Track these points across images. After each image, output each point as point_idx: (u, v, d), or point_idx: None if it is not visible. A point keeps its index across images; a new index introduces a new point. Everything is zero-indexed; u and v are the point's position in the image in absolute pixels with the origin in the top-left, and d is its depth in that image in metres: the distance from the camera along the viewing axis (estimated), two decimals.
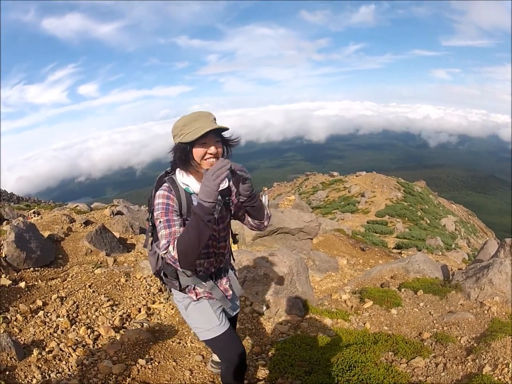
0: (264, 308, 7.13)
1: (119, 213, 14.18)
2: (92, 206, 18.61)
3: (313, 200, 56.76)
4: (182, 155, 3.09)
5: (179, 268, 2.98)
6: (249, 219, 3.50)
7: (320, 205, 52.28)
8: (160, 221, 3.02)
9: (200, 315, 3.53)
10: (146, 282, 7.86)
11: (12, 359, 4.66)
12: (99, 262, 8.66)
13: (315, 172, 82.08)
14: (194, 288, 3.48)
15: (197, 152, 3.06)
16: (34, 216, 13.40)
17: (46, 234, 9.47)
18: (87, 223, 11.84)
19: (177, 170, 3.23)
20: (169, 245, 2.89)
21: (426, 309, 7.89)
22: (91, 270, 8.00)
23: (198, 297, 3.50)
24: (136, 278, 7.99)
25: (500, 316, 7.15)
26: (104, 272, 7.98)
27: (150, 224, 3.38)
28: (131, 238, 11.29)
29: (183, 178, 3.19)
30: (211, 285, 3.52)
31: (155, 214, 3.07)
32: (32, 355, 4.90)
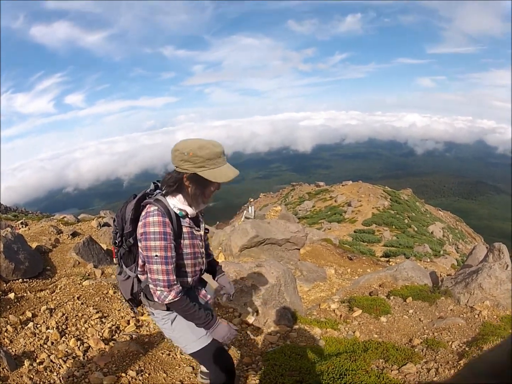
0: (253, 316, 7.13)
1: (106, 224, 14.12)
2: (79, 217, 18.53)
3: (300, 210, 56.87)
4: (198, 188, 3.14)
5: (155, 298, 3.18)
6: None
7: (306, 215, 52.40)
8: (156, 255, 3.00)
9: (187, 327, 3.46)
10: None
11: (4, 369, 4.62)
12: (87, 274, 8.61)
13: (301, 183, 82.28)
14: None
15: (212, 189, 3.20)
16: (22, 227, 13.33)
17: (34, 245, 9.42)
18: (74, 234, 11.78)
19: (173, 196, 3.21)
20: (171, 291, 3.08)
21: (416, 315, 7.91)
22: (79, 282, 7.94)
23: None
24: None
25: (491, 319, 7.20)
26: (92, 284, 7.93)
27: (126, 248, 3.33)
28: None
29: (180, 205, 3.20)
30: (193, 297, 3.50)
31: (147, 243, 3.02)
32: (24, 366, 4.86)
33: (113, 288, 7.87)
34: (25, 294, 7.12)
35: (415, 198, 67.45)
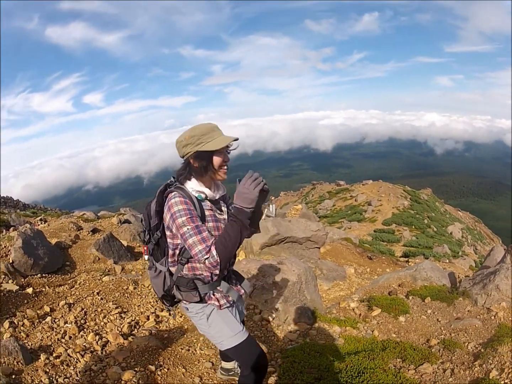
0: (274, 313, 7.14)
1: (127, 221, 14.18)
2: (99, 214, 18.64)
3: (320, 209, 56.65)
4: (204, 163, 3.22)
5: (216, 272, 3.18)
6: None
7: (327, 214, 52.19)
8: (187, 228, 3.04)
9: (224, 322, 3.49)
10: None
11: (19, 363, 4.67)
12: (107, 270, 8.69)
13: (321, 181, 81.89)
14: (213, 294, 3.47)
15: (217, 160, 3.24)
16: (41, 223, 13.47)
17: (53, 241, 9.51)
18: (94, 231, 11.88)
19: (188, 180, 3.30)
20: (210, 249, 2.98)
21: (434, 316, 7.87)
22: (99, 278, 8.02)
23: (220, 303, 3.47)
24: (144, 286, 8.01)
25: (506, 321, 7.14)
26: (112, 279, 8.00)
27: (154, 242, 3.42)
28: (139, 246, 11.32)
29: (197, 187, 3.27)
30: (227, 288, 3.52)
31: (176, 222, 3.08)
32: (40, 360, 4.92)
33: (133, 284, 7.94)
34: (43, 289, 7.20)
35: (435, 198, 66.91)
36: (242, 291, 3.72)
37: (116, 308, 6.89)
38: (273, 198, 33.43)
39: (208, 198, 3.34)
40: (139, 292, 7.70)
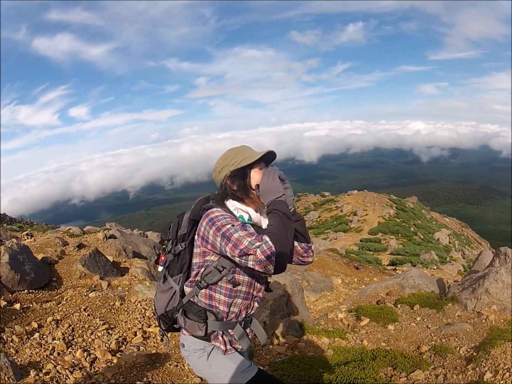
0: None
1: (112, 236, 14.10)
2: (85, 229, 18.56)
3: (306, 220, 56.63)
4: (242, 182, 2.96)
5: (270, 270, 2.55)
6: (296, 244, 3.09)
7: (312, 225, 52.26)
8: (231, 225, 2.67)
9: (228, 359, 2.98)
10: (141, 305, 7.84)
11: (10, 379, 4.62)
12: (93, 286, 8.61)
13: (306, 193, 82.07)
14: (222, 336, 2.98)
15: (255, 176, 2.96)
16: (27, 238, 13.35)
17: (39, 256, 9.42)
18: (80, 246, 11.78)
19: (227, 201, 3.01)
20: (262, 237, 2.56)
21: (423, 323, 7.90)
22: (85, 294, 7.95)
23: (226, 347, 2.99)
24: (131, 301, 7.96)
25: (498, 323, 7.19)
26: (99, 295, 7.94)
27: (175, 254, 3.03)
28: (125, 262, 11.24)
29: (239, 205, 2.97)
30: (240, 333, 3.02)
31: (217, 224, 2.70)
32: (29, 376, 4.87)
33: (120, 300, 7.88)
34: (31, 305, 7.12)
35: (421, 206, 67.35)
36: (252, 344, 3.19)
37: (103, 324, 6.84)
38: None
39: (252, 222, 2.97)
40: (126, 308, 7.65)
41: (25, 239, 12.83)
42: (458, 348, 6.40)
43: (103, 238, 13.58)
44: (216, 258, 2.85)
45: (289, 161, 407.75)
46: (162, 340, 3.14)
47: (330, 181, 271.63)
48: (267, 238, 2.53)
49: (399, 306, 8.79)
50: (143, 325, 7.16)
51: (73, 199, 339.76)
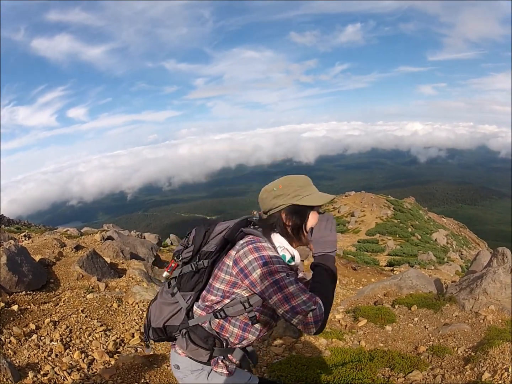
0: None
1: (110, 238, 14.11)
2: (82, 230, 18.58)
3: None
4: (298, 221, 2.69)
5: (312, 331, 2.38)
6: None
7: None
8: (287, 274, 2.42)
9: (230, 377, 2.76)
10: (138, 307, 7.85)
11: (8, 380, 4.61)
12: (90, 287, 8.60)
13: None
14: (222, 360, 2.75)
15: (312, 219, 2.72)
16: (25, 239, 13.35)
17: (37, 258, 9.41)
18: (77, 248, 11.78)
19: (273, 234, 2.68)
20: (316, 299, 2.36)
21: (421, 323, 7.90)
22: (83, 295, 7.94)
23: (228, 370, 2.75)
24: (128, 303, 7.96)
25: (496, 323, 7.20)
26: (96, 297, 7.93)
27: (193, 270, 2.71)
28: (122, 263, 11.22)
29: (286, 244, 2.67)
30: (241, 355, 2.79)
31: (271, 267, 2.42)
32: (28, 378, 4.86)
33: (117, 301, 7.88)
34: (28, 307, 7.12)
35: (418, 206, 67.31)
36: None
37: (101, 325, 6.83)
38: (255, 212, 33.44)
39: (294, 263, 2.70)
40: (123, 310, 7.65)
41: (23, 241, 12.83)
42: (456, 348, 6.41)
43: (101, 240, 13.58)
44: (247, 294, 2.59)
45: (286, 162, 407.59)
46: (147, 347, 2.75)
47: (328, 182, 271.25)
48: (321, 302, 2.37)
49: (396, 306, 8.79)
50: (140, 326, 7.14)
51: (71, 200, 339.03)
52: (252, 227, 2.74)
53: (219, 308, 2.63)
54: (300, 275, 2.89)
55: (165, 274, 2.86)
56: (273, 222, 2.70)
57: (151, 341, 3.00)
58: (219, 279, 2.63)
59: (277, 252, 2.57)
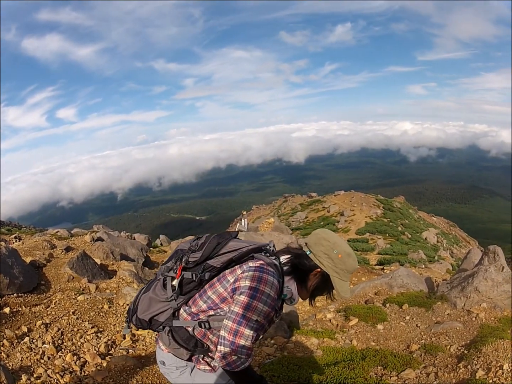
0: None
1: (100, 239, 14.05)
2: (72, 232, 18.47)
3: (293, 221, 56.60)
4: (321, 287, 2.88)
5: (220, 364, 2.62)
6: None
7: (299, 226, 52.18)
8: (257, 320, 2.56)
9: (213, 374, 2.89)
10: None
11: (3, 383, 4.58)
12: (81, 289, 8.56)
13: (293, 194, 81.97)
14: (203, 358, 2.89)
15: (320, 294, 2.98)
16: (16, 241, 13.27)
17: (28, 260, 9.36)
18: (68, 249, 11.73)
19: (289, 274, 2.83)
20: (250, 356, 2.58)
21: (413, 322, 7.93)
22: (74, 297, 7.90)
23: (211, 366, 2.89)
24: (119, 304, 7.93)
25: (489, 321, 7.23)
26: (87, 298, 7.90)
27: (194, 279, 2.77)
28: (112, 264, 11.18)
29: (291, 285, 2.85)
30: None
31: (254, 303, 2.53)
32: (21, 381, 4.85)
33: (108, 303, 7.84)
34: (20, 309, 7.07)
35: (408, 206, 67.59)
36: None
37: (92, 327, 6.80)
38: (245, 212, 33.50)
39: (290, 303, 2.91)
40: (114, 311, 7.62)
41: (13, 242, 12.75)
42: (449, 346, 6.44)
43: (91, 241, 13.55)
44: None
45: (276, 161, 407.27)
46: (128, 327, 2.76)
47: (317, 181, 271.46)
48: (247, 364, 2.58)
49: (387, 305, 8.82)
50: (131, 327, 7.13)
51: (61, 201, 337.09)
52: (263, 254, 2.79)
53: (204, 319, 2.76)
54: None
55: (175, 282, 2.82)
56: (300, 270, 2.83)
57: (132, 326, 3.13)
58: (214, 289, 2.74)
59: (280, 287, 2.69)
